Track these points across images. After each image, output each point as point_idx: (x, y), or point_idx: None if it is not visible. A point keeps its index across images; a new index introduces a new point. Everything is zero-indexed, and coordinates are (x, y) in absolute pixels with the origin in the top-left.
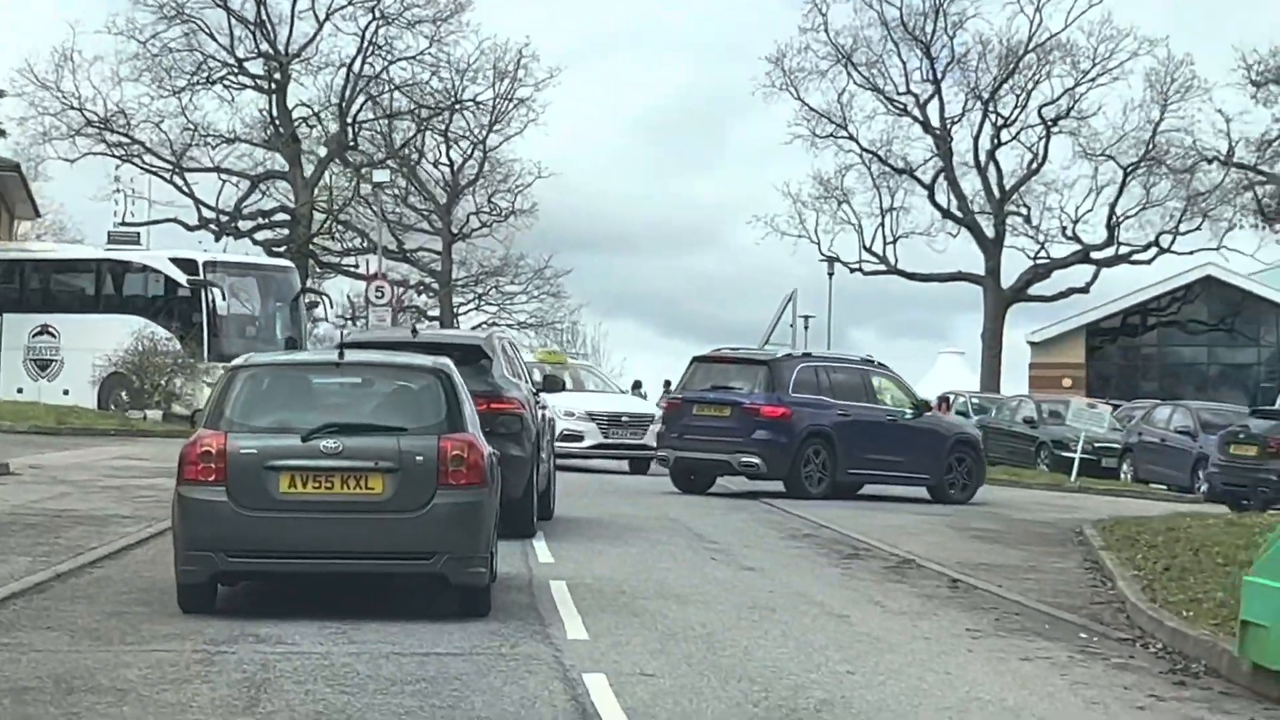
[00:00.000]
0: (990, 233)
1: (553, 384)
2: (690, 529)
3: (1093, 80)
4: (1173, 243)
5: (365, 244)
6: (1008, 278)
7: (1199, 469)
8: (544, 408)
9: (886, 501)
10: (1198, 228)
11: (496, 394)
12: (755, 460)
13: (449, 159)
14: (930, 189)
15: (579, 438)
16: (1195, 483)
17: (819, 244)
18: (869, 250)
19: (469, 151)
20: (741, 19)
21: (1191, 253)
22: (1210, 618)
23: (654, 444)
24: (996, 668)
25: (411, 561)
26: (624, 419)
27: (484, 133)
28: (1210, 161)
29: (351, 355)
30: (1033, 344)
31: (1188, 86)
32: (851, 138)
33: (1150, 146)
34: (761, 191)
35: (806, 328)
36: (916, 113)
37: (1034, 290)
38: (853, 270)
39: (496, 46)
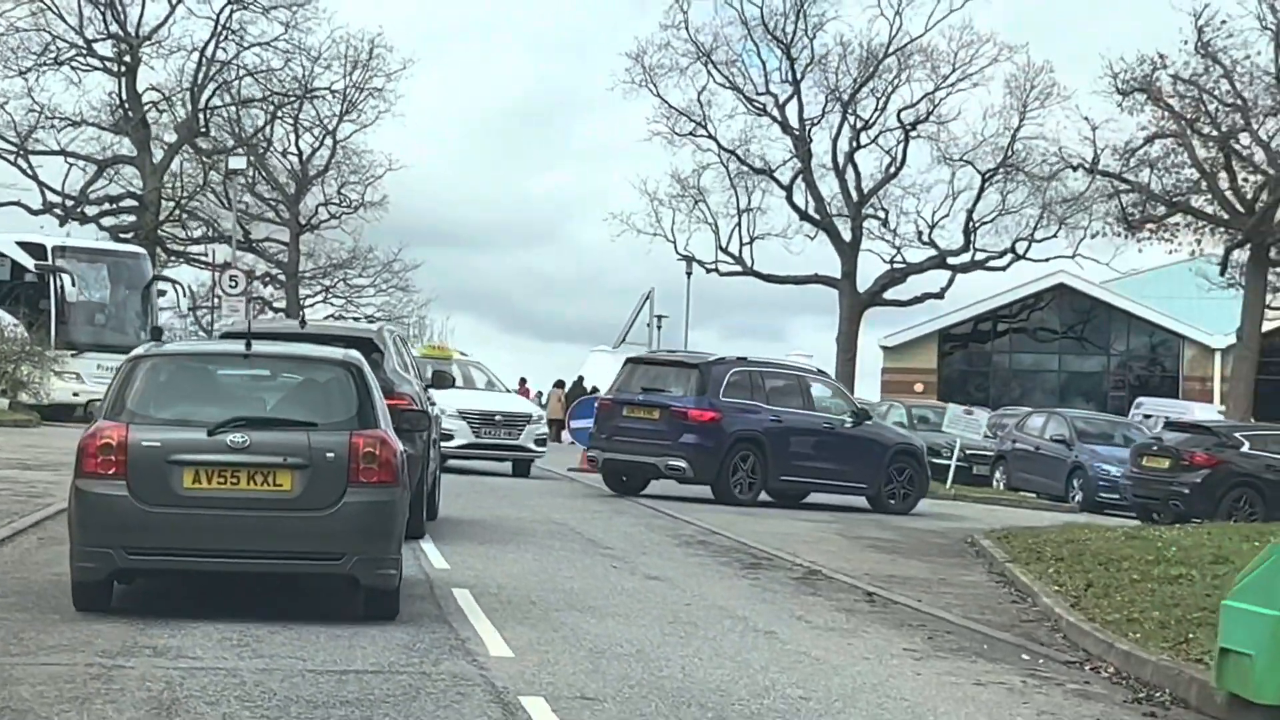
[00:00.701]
0: (847, 236)
1: (442, 380)
2: (579, 533)
3: (952, 85)
4: (1028, 249)
5: (211, 233)
6: (864, 281)
7: (1074, 478)
8: (432, 404)
9: (772, 508)
10: (1054, 235)
11: (389, 389)
12: (682, 464)
13: (298, 148)
14: (789, 190)
15: (448, 437)
16: (1070, 491)
17: (675, 243)
18: (725, 251)
19: (319, 141)
20: (587, 15)
21: (1047, 260)
22: (1159, 640)
23: (531, 445)
24: (953, 693)
25: (320, 561)
26: (497, 418)
27: (335, 122)
28: (1075, 169)
29: (259, 346)
30: (885, 349)
31: (1047, 93)
32: (711, 136)
33: (1009, 153)
34: (607, 189)
35: (659, 327)
36: (775, 113)
37: (890, 295)
38: (708, 270)
39: (349, 36)
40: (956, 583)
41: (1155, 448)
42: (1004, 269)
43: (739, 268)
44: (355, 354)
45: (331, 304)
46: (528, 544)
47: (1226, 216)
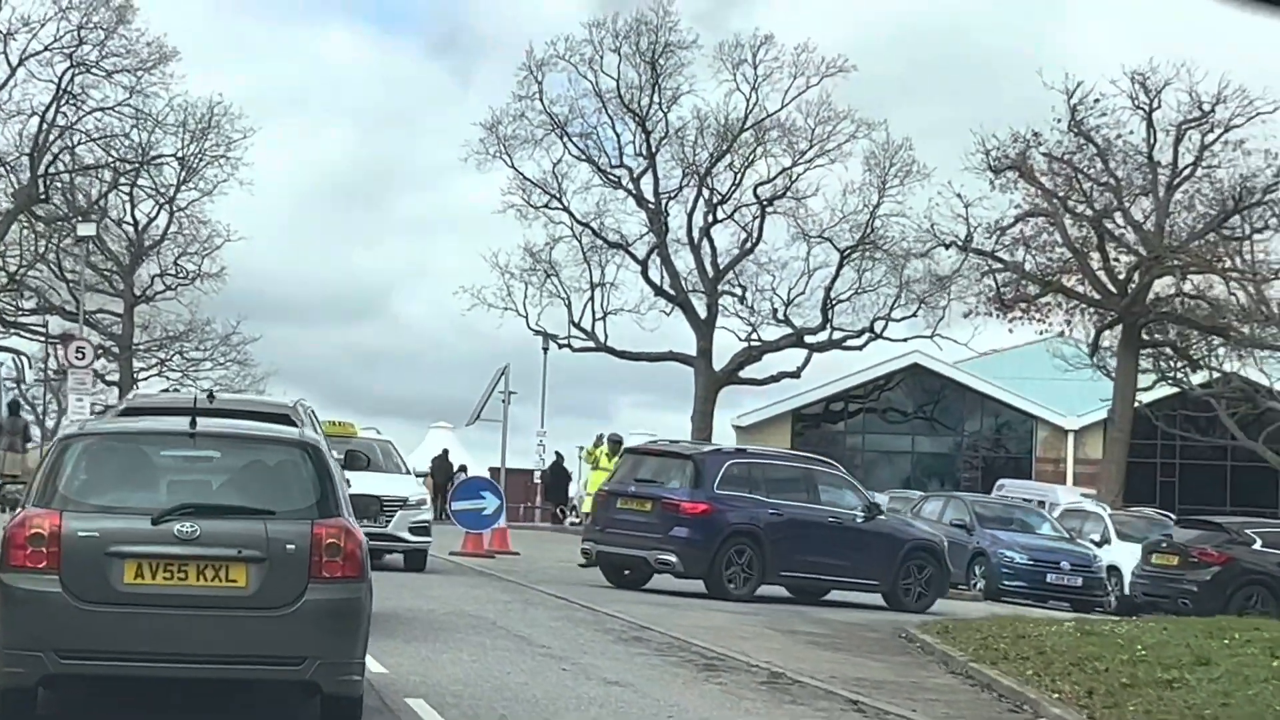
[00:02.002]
0: (703, 313)
1: (355, 461)
2: (503, 628)
3: (810, 161)
4: (885, 328)
5: (41, 303)
6: (720, 359)
7: (975, 565)
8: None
9: (681, 597)
10: (914, 314)
11: None
12: (671, 558)
13: (134, 217)
14: (644, 265)
15: None
16: (971, 579)
17: (527, 317)
18: (577, 326)
19: (156, 210)
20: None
21: (906, 340)
22: None
23: (404, 533)
24: None
25: (278, 667)
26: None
27: (173, 191)
28: (948, 246)
29: (205, 424)
30: (738, 428)
31: (907, 171)
32: (565, 209)
33: (868, 230)
34: (448, 263)
35: (507, 401)
36: (630, 186)
37: (746, 373)
38: (561, 346)
39: (188, 104)
40: (931, 687)
41: (1165, 545)
42: (860, 348)
43: (591, 344)
44: (311, 433)
45: (167, 377)
46: (457, 641)
47: (1098, 296)
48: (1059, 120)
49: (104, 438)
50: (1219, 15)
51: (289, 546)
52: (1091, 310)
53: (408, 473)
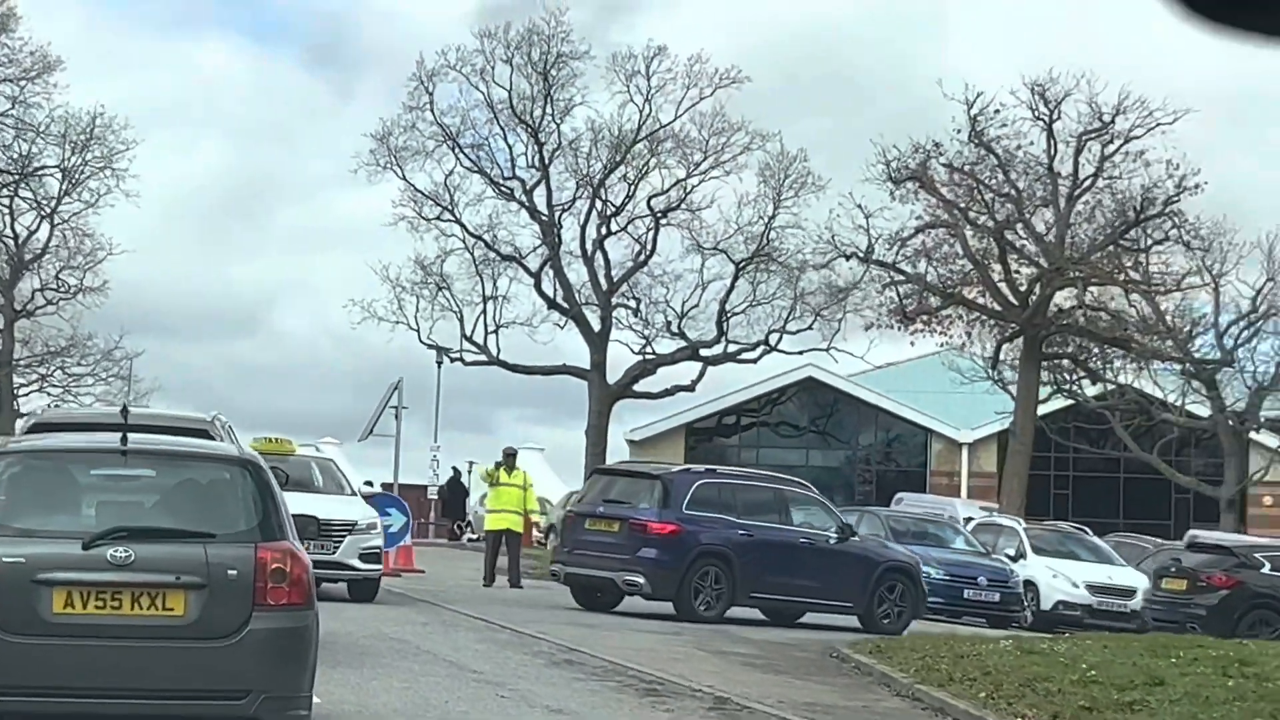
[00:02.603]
0: (597, 325)
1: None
2: (429, 651)
3: (704, 173)
4: (780, 341)
5: None
6: (614, 372)
7: None
8: None
9: (607, 615)
10: (809, 327)
11: None
12: (639, 579)
13: (13, 230)
14: (537, 277)
15: None
16: None
17: (419, 331)
18: (469, 340)
19: (36, 223)
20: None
21: (801, 352)
22: None
23: (355, 561)
24: None
25: (220, 701)
26: (310, 528)
27: (54, 203)
28: (849, 257)
29: (137, 440)
30: (632, 442)
31: (802, 183)
32: (457, 221)
33: (763, 242)
34: (315, 276)
35: (400, 416)
36: (523, 198)
37: (641, 386)
38: (453, 360)
39: (68, 115)
40: (882, 711)
41: (1174, 569)
42: (755, 361)
43: (484, 358)
44: (252, 451)
45: (49, 393)
46: (385, 667)
47: (1000, 308)
48: (959, 131)
49: (27, 456)
50: (1114, 28)
51: (231, 572)
52: (992, 322)
53: (353, 494)
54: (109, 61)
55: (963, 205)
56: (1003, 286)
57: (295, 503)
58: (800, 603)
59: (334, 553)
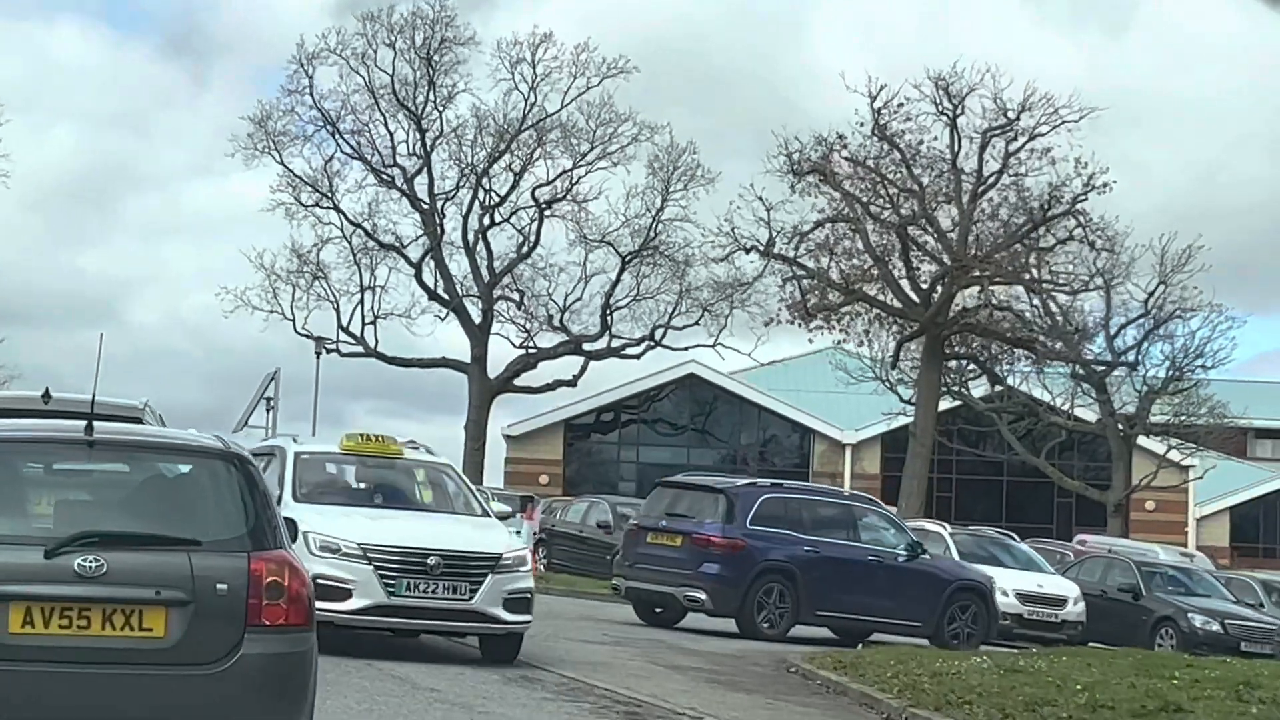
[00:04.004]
0: (478, 318)
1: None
2: (374, 665)
3: (590, 164)
4: (664, 336)
5: None
6: (495, 366)
7: None
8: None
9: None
10: (696, 323)
11: None
12: (700, 595)
13: None
14: (417, 268)
15: (340, 592)
16: None
17: (294, 321)
18: (346, 330)
19: None
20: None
21: (687, 349)
22: None
23: (498, 609)
24: None
25: None
26: (430, 561)
27: None
28: (748, 251)
29: (104, 430)
30: (509, 438)
31: (691, 175)
32: (335, 208)
33: (650, 235)
34: (169, 265)
35: (270, 409)
36: (404, 186)
37: (521, 381)
38: (329, 351)
39: None
40: None
41: None
42: (639, 356)
43: (360, 349)
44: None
45: None
46: (334, 685)
47: (901, 306)
48: (861, 124)
49: None
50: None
51: (220, 586)
52: (893, 320)
53: (485, 513)
54: None
55: (865, 200)
56: (904, 284)
57: (407, 530)
58: (868, 621)
59: (470, 598)
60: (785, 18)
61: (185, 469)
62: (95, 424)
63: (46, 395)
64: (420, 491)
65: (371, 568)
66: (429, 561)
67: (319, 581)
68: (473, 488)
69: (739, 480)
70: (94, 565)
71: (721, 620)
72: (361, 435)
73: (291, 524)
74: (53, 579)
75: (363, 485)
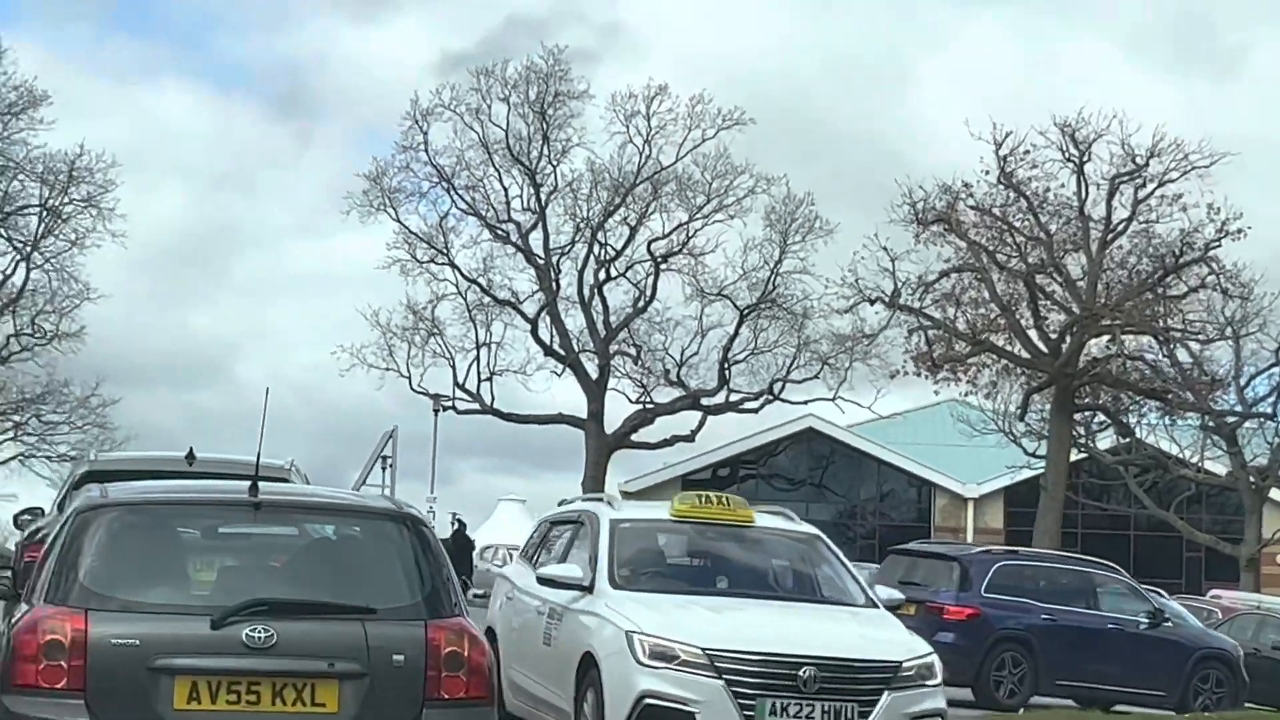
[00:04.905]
0: (594, 373)
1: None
2: None
3: (706, 216)
4: (782, 390)
5: None
6: (612, 422)
7: None
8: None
9: None
10: (816, 375)
11: None
12: None
13: None
14: (534, 323)
15: (679, 716)
16: None
17: (410, 378)
18: (461, 387)
19: (12, 265)
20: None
21: (806, 402)
22: None
23: None
24: None
25: None
26: (804, 673)
27: (29, 246)
28: (873, 302)
29: (269, 491)
30: (626, 494)
31: (809, 227)
32: (451, 264)
33: (769, 287)
34: (267, 325)
35: (386, 467)
36: (519, 241)
37: (639, 436)
38: (444, 408)
39: (46, 155)
40: None
41: None
42: (757, 410)
43: (477, 406)
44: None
45: (23, 442)
46: None
47: (1029, 356)
48: (986, 172)
49: (132, 510)
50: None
51: (396, 657)
52: (1021, 371)
53: (870, 602)
54: (68, 109)
55: (991, 248)
56: (1032, 333)
57: (768, 628)
58: (1108, 691)
59: None
60: (889, 69)
61: (355, 531)
62: (259, 484)
63: (191, 456)
64: (780, 573)
65: (722, 682)
66: (801, 674)
67: (647, 702)
68: (850, 567)
69: (974, 548)
70: (263, 636)
71: (958, 689)
72: (699, 496)
73: (602, 620)
74: (220, 651)
75: (701, 564)
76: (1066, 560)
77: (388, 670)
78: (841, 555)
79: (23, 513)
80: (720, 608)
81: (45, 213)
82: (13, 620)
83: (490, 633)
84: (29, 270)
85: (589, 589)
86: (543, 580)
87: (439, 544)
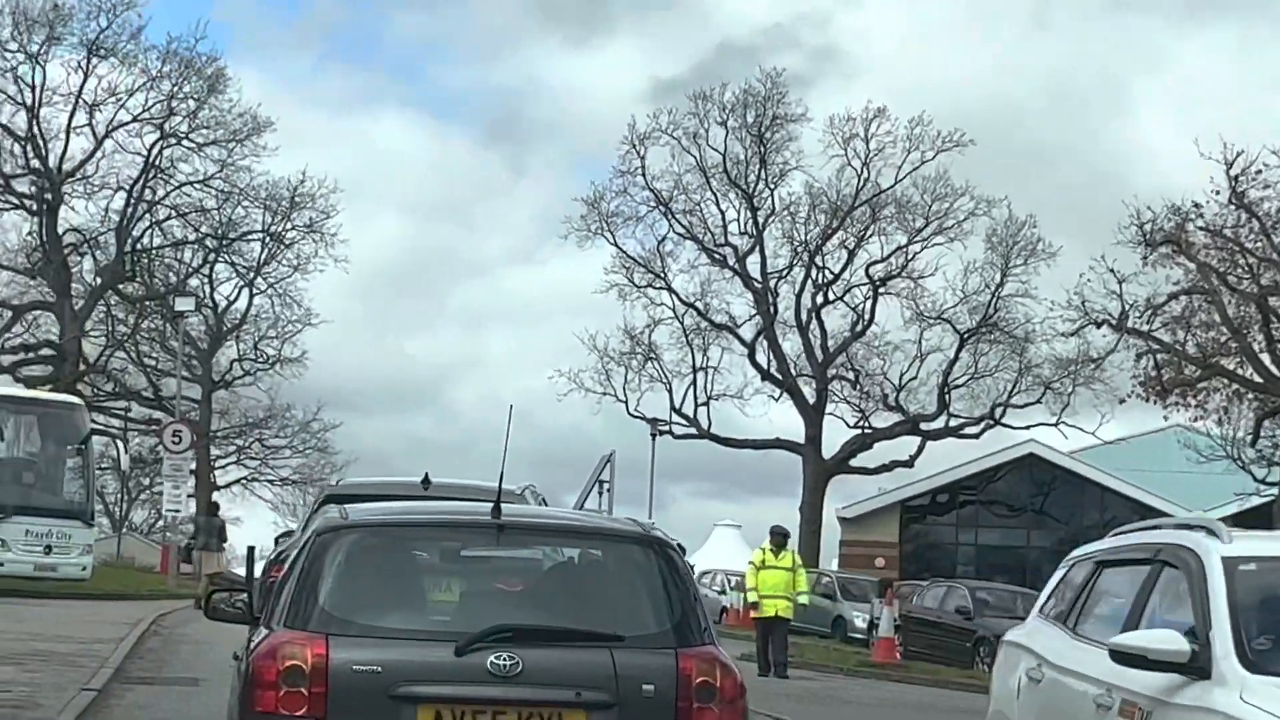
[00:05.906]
0: (811, 398)
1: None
2: None
3: (925, 240)
4: (1003, 415)
5: (116, 388)
6: (829, 447)
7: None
8: None
9: None
10: (1038, 400)
11: None
12: None
13: (213, 300)
14: (751, 348)
15: None
16: None
17: (627, 403)
18: (678, 412)
19: (236, 292)
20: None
21: (1028, 427)
22: None
23: None
24: None
25: None
26: None
27: (253, 272)
28: (1100, 325)
29: (512, 512)
30: (843, 520)
31: (1030, 250)
32: (668, 288)
33: (990, 311)
34: (477, 351)
35: (604, 492)
36: (736, 265)
37: (857, 461)
38: (662, 433)
39: (270, 182)
40: None
41: None
42: (978, 436)
43: (694, 430)
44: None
45: (246, 465)
46: None
47: (1261, 380)
48: (1217, 193)
49: (372, 531)
50: None
51: (645, 687)
52: (1253, 396)
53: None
54: (288, 138)
55: (1222, 270)
56: (1264, 357)
57: None
58: None
59: None
60: (1104, 89)
61: (600, 555)
62: (500, 506)
63: (426, 481)
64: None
65: None
66: None
67: None
68: None
69: None
70: (509, 664)
71: None
72: None
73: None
74: (465, 679)
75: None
76: None
77: (637, 700)
78: None
79: (283, 535)
80: None
81: (268, 238)
82: (252, 645)
83: None
84: (252, 295)
85: (1203, 671)
86: (1117, 655)
87: (688, 568)
